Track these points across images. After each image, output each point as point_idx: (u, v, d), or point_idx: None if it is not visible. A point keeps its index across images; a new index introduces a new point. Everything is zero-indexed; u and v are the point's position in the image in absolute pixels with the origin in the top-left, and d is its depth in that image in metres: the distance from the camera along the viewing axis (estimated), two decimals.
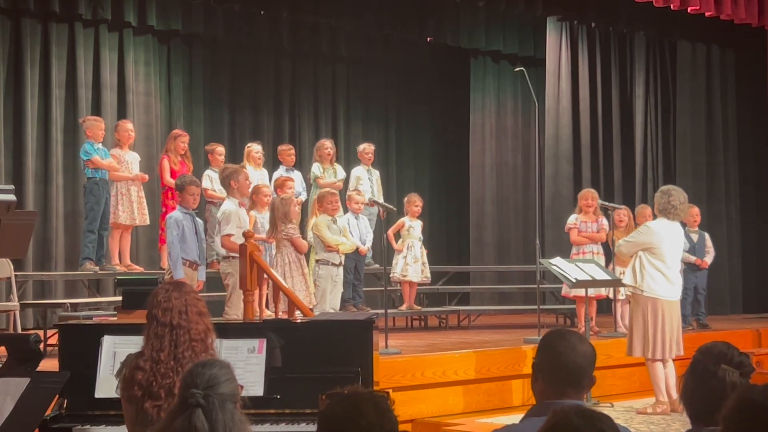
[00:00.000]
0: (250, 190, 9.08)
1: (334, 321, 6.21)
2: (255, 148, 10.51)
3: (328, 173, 10.78)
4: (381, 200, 10.50)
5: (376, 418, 2.53)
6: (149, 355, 4.06)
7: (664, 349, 7.71)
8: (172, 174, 9.81)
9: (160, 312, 4.12)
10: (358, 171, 11.11)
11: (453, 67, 14.67)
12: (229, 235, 8.19)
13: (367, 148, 11.26)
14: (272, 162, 11.39)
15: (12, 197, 6.91)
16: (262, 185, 9.57)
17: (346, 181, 11.03)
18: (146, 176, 9.99)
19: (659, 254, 7.74)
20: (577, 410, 2.45)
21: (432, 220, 12.64)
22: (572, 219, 10.03)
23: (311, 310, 8.06)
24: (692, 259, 10.41)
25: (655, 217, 8.17)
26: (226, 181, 8.65)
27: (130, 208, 9.79)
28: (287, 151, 10.90)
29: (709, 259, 10.67)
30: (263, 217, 9.05)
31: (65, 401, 5.02)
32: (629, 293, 8.15)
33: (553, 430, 2.42)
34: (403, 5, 12.73)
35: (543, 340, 3.22)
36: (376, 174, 11.27)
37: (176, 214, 8.14)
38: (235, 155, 11.30)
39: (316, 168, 10.77)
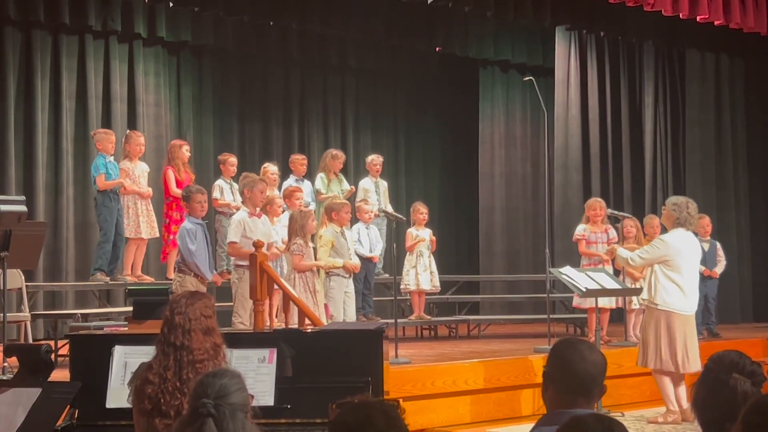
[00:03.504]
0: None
1: (344, 331, 6.21)
2: (271, 169, 10.35)
3: (334, 184, 10.76)
4: (390, 211, 10.51)
5: (386, 427, 2.53)
6: (157, 370, 4.06)
7: (676, 364, 7.60)
8: (178, 184, 9.81)
9: (167, 329, 4.12)
10: (366, 183, 11.10)
11: (462, 77, 14.68)
12: (232, 243, 8.25)
13: (375, 160, 11.26)
14: (283, 171, 11.42)
15: (23, 208, 6.95)
16: (275, 196, 9.59)
17: (354, 192, 11.02)
18: (151, 192, 9.96)
19: (675, 266, 7.68)
20: (594, 417, 2.46)
21: (441, 230, 12.63)
22: (580, 229, 9.99)
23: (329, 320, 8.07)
24: (701, 269, 10.38)
25: (663, 228, 8.13)
26: (241, 189, 8.75)
27: (136, 221, 9.79)
28: (300, 160, 10.88)
29: (720, 268, 10.65)
30: (274, 229, 9.07)
31: (76, 411, 5.03)
32: (643, 304, 8.11)
33: None
34: (411, 15, 12.75)
35: (553, 349, 3.21)
36: (384, 185, 11.26)
37: (188, 225, 8.07)
38: (245, 166, 11.32)
39: (319, 182, 10.73)
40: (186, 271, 7.97)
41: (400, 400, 3.20)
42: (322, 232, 9.33)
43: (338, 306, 9.06)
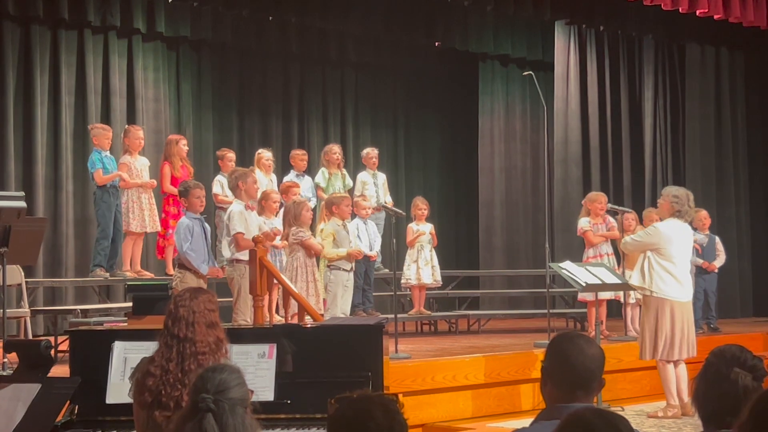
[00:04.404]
0: (258, 194, 9.08)
1: (344, 326, 6.20)
2: (265, 155, 10.51)
3: (335, 178, 10.77)
4: (389, 203, 10.53)
5: (385, 421, 2.54)
6: (159, 362, 4.08)
7: (673, 351, 7.66)
8: (173, 181, 9.80)
9: (171, 321, 4.14)
10: (363, 176, 11.12)
11: (461, 71, 14.67)
12: (239, 234, 8.19)
13: (371, 153, 11.27)
14: (282, 167, 11.40)
15: (22, 204, 6.95)
16: (271, 191, 9.58)
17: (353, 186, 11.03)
18: (155, 182, 9.99)
19: (667, 255, 7.71)
20: (594, 411, 2.46)
21: (441, 225, 12.62)
22: (585, 222, 10.01)
23: (321, 315, 8.06)
24: (700, 262, 10.39)
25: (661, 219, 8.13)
26: (234, 183, 8.68)
27: (141, 215, 9.80)
28: (300, 155, 10.89)
29: (719, 261, 10.65)
30: (272, 223, 9.07)
31: (76, 407, 5.03)
32: (639, 296, 8.12)
33: (570, 430, 2.42)
34: (411, 9, 12.74)
35: (551, 344, 3.20)
36: (382, 178, 11.27)
37: (185, 221, 7.99)
38: (245, 160, 11.31)
39: (320, 176, 10.75)
40: (184, 267, 7.96)
41: (400, 395, 3.22)
42: (323, 226, 9.35)
43: (336, 300, 9.08)
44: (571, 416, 2.45)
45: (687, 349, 7.70)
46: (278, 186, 10.36)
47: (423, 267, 10.56)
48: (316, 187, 10.70)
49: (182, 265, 7.96)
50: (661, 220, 8.09)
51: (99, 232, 9.75)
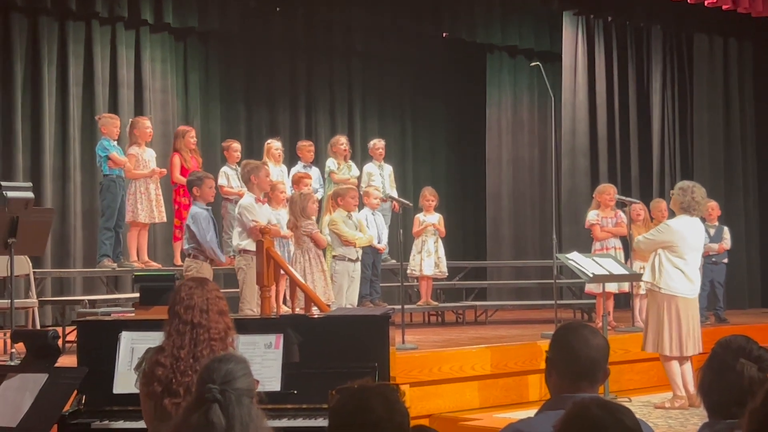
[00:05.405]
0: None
1: (350, 316, 6.22)
2: (275, 145, 10.54)
3: (342, 170, 10.79)
4: (395, 195, 10.54)
5: (385, 412, 2.55)
6: (170, 351, 4.08)
7: (681, 347, 7.64)
8: (182, 171, 9.82)
9: (182, 309, 4.14)
10: (370, 167, 11.12)
11: (469, 62, 14.64)
12: (257, 223, 8.23)
13: (377, 144, 11.28)
14: (289, 158, 11.41)
15: (30, 194, 6.97)
16: (278, 182, 9.60)
17: (359, 177, 11.04)
18: (164, 170, 10.00)
19: (679, 252, 7.68)
20: (597, 402, 2.46)
21: (448, 216, 12.61)
22: (593, 216, 9.99)
23: (329, 306, 8.08)
24: (715, 247, 10.39)
25: (671, 212, 8.11)
26: (246, 177, 8.75)
27: (149, 206, 9.81)
28: (307, 147, 10.91)
29: (725, 245, 10.64)
30: (278, 214, 9.09)
31: (83, 397, 5.05)
32: (646, 286, 8.12)
33: (573, 421, 2.43)
34: (418, 0, 12.71)
35: (555, 334, 3.21)
36: (388, 169, 11.27)
37: (203, 212, 8.03)
38: (252, 151, 11.33)
39: (330, 163, 10.79)
40: (200, 258, 7.96)
41: (408, 386, 3.22)
42: (331, 217, 9.36)
43: (341, 291, 9.10)
44: (576, 406, 2.45)
45: (694, 345, 7.68)
46: (288, 175, 10.38)
47: (425, 258, 10.55)
48: (330, 173, 10.71)
49: (196, 255, 7.97)
50: (673, 213, 8.07)
51: (103, 222, 9.76)
